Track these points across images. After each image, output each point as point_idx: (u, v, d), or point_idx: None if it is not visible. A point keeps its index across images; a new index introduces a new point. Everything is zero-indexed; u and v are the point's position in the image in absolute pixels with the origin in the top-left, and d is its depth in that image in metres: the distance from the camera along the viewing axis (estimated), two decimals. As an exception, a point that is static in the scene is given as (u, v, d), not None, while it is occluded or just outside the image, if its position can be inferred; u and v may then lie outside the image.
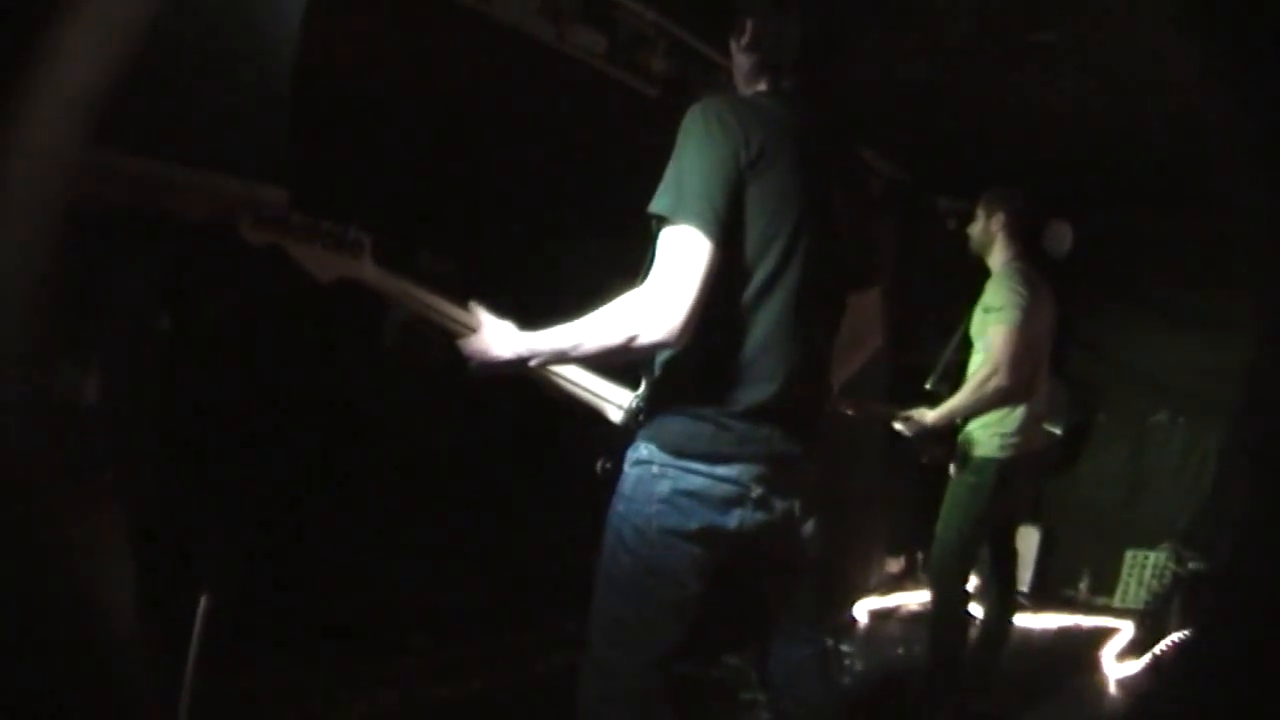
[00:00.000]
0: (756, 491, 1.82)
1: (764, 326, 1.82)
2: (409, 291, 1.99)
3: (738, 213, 1.76)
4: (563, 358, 1.86)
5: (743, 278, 1.80)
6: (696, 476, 1.79)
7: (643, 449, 1.85)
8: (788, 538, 1.93)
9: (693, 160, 1.74)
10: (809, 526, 1.97)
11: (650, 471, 1.82)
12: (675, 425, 1.82)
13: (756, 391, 1.81)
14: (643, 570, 1.82)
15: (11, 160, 1.04)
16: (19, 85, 1.01)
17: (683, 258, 1.69)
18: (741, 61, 1.99)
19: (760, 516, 1.84)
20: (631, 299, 1.73)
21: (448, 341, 1.99)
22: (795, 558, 1.99)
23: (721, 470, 1.79)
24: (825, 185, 1.91)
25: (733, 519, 1.81)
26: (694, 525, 1.79)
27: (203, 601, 2.16)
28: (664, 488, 1.80)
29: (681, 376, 1.85)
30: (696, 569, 1.82)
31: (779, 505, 1.87)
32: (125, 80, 1.20)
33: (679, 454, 1.80)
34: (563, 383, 2.02)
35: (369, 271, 1.96)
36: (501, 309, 2.00)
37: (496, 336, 1.93)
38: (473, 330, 1.96)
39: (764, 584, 2.01)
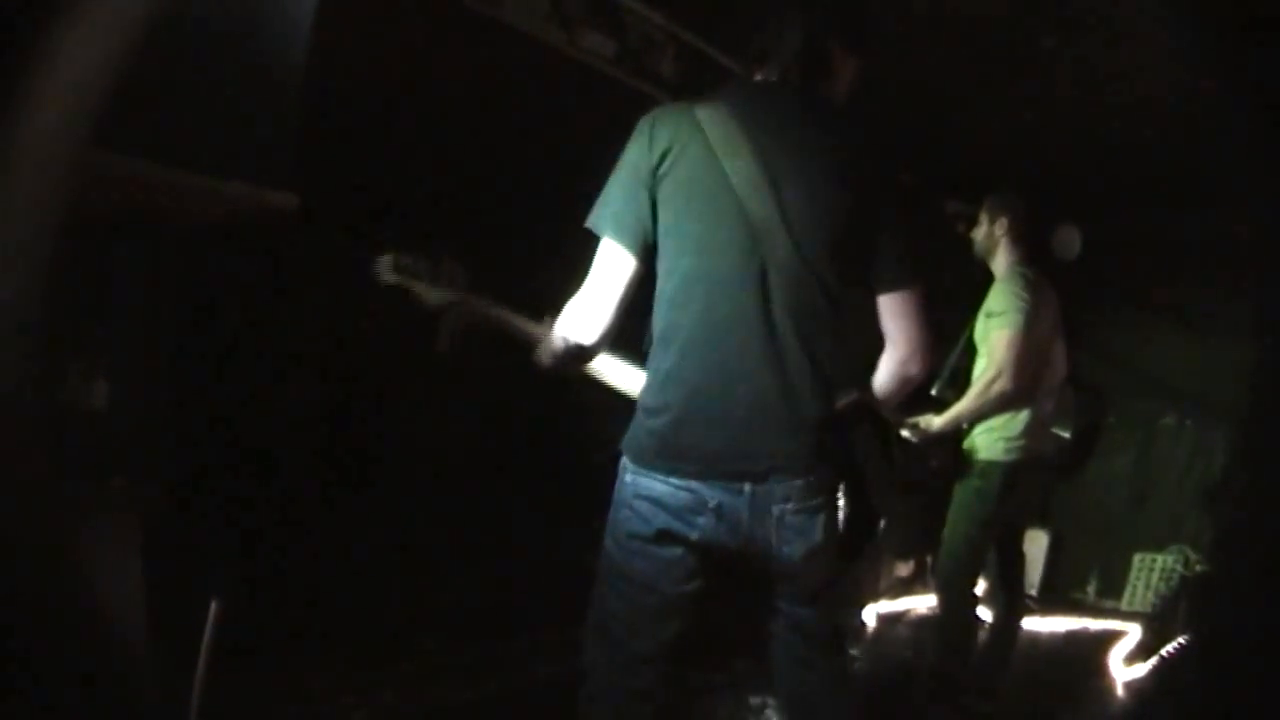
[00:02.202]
0: (714, 501, 1.78)
1: (687, 331, 1.81)
2: (503, 317, 2.11)
3: (654, 216, 1.81)
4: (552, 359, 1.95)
5: (668, 279, 1.83)
6: (656, 483, 1.81)
7: (622, 455, 1.89)
8: (772, 546, 1.83)
9: (614, 172, 1.84)
10: (812, 533, 1.84)
11: (624, 478, 1.86)
12: (634, 433, 1.87)
13: (687, 398, 1.79)
14: (615, 574, 1.86)
15: (13, 161, 1.04)
16: (20, 86, 1.02)
17: (599, 265, 1.81)
18: (751, 73, 2.01)
19: (725, 526, 1.79)
20: (568, 305, 1.85)
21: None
22: (787, 565, 1.86)
23: (676, 480, 1.79)
24: (812, 179, 1.83)
25: (695, 528, 1.79)
26: (653, 530, 1.80)
27: (213, 606, 2.17)
28: (628, 494, 1.84)
29: (646, 383, 1.89)
30: (667, 573, 1.81)
31: (746, 516, 1.80)
32: (131, 83, 1.21)
33: (638, 461, 1.84)
34: (608, 382, 2.09)
35: (470, 300, 2.11)
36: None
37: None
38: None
39: (762, 588, 1.93)
